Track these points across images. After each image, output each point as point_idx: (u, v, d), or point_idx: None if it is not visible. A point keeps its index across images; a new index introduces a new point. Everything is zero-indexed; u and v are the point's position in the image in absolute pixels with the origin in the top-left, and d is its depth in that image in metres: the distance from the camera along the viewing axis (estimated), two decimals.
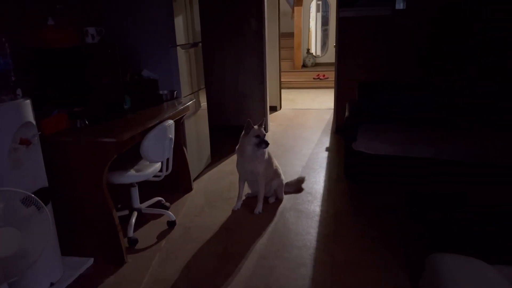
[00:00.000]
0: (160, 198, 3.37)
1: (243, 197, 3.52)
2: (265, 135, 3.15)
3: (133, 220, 2.94)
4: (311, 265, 2.56)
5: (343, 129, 3.76)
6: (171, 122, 2.95)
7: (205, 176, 4.10)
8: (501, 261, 1.72)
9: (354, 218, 3.14)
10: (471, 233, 2.83)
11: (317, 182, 3.84)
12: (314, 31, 11.01)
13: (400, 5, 4.87)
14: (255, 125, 3.16)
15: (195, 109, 3.93)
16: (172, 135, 2.97)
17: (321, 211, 3.27)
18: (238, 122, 5.40)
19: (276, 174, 3.45)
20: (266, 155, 3.29)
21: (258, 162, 3.21)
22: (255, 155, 3.17)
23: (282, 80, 7.08)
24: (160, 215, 3.24)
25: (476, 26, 4.52)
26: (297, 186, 3.68)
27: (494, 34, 4.44)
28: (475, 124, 3.73)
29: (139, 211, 3.10)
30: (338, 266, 2.54)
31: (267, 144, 3.12)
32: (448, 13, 4.63)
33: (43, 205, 1.91)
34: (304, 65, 10.19)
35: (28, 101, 2.21)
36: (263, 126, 3.20)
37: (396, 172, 3.57)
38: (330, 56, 10.12)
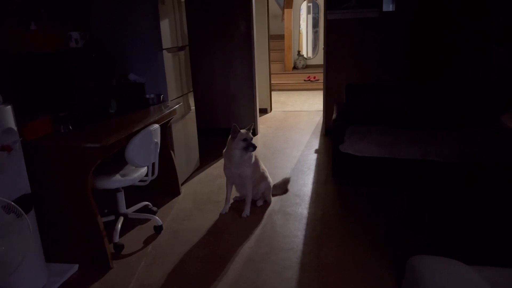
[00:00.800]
0: (147, 202, 3.36)
1: (231, 201, 3.52)
2: (252, 138, 3.15)
3: (119, 226, 2.92)
4: (297, 268, 2.55)
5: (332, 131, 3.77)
6: (156, 126, 2.93)
7: (194, 180, 4.08)
8: (483, 262, 1.73)
9: (342, 220, 3.15)
10: (457, 234, 2.85)
11: (305, 184, 3.85)
12: (305, 33, 11.05)
13: (388, 7, 4.90)
14: (242, 129, 3.16)
15: (183, 113, 3.92)
16: (157, 139, 2.95)
17: (309, 213, 3.27)
18: (228, 124, 5.32)
19: (263, 177, 3.44)
20: (253, 159, 3.29)
21: (245, 165, 3.20)
22: (242, 159, 3.17)
23: (272, 82, 7.10)
24: (147, 220, 3.22)
25: (463, 27, 4.56)
26: (283, 187, 3.67)
27: (480, 33, 4.48)
28: (463, 124, 3.76)
29: (126, 216, 3.08)
30: (324, 268, 2.54)
31: (254, 147, 3.12)
32: (432, 15, 4.66)
33: (23, 213, 1.89)
34: (295, 67, 10.21)
35: (9, 107, 2.19)
36: (251, 130, 3.20)
37: (384, 173, 3.59)
38: (321, 57, 10.07)
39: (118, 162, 2.99)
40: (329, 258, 2.64)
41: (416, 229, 2.95)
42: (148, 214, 3.18)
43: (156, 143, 2.93)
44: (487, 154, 3.25)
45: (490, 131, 3.56)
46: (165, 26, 3.46)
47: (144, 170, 3.00)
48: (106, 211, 3.22)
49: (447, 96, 3.90)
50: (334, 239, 2.88)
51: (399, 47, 4.87)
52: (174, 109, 3.42)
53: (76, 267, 2.64)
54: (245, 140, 3.12)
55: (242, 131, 3.14)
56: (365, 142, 3.49)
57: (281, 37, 9.86)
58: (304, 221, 3.15)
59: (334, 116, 3.85)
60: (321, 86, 8.38)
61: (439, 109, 3.90)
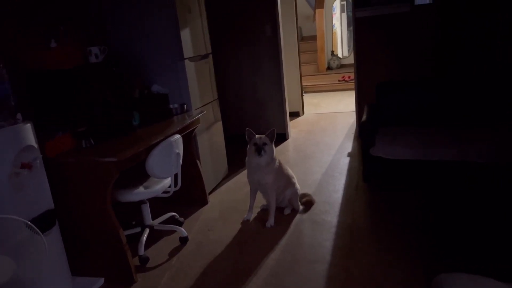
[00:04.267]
0: (173, 213, 3.34)
1: (259, 209, 3.45)
2: (265, 143, 3.05)
3: (144, 238, 2.92)
4: (323, 282, 2.42)
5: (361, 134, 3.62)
6: (177, 136, 2.91)
7: (222, 188, 4.04)
8: None
9: (373, 229, 2.98)
10: (499, 245, 2.61)
11: (336, 190, 3.69)
12: (340, 32, 10.80)
13: (420, 0, 4.64)
14: (262, 134, 3.10)
15: (209, 121, 3.89)
16: (179, 150, 2.93)
17: (338, 221, 3.12)
18: (258, 130, 5.30)
19: (290, 183, 3.34)
20: (277, 164, 3.19)
21: (265, 172, 3.12)
22: (259, 165, 3.09)
23: (305, 84, 6.96)
24: (173, 231, 3.20)
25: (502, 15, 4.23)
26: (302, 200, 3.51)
27: None
28: (498, 121, 3.47)
29: (151, 228, 3.07)
30: (351, 282, 2.39)
31: (259, 153, 3.03)
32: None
33: (39, 232, 1.90)
34: (329, 68, 9.99)
35: (28, 125, 2.23)
36: (274, 136, 3.11)
37: (418, 176, 3.38)
38: None
39: (142, 174, 3.00)
40: (357, 270, 2.49)
41: (451, 239, 2.73)
42: (174, 226, 3.15)
43: (178, 153, 2.90)
44: None
45: None
46: (186, 35, 3.45)
47: (167, 181, 2.99)
48: (133, 222, 3.24)
49: (482, 92, 3.63)
50: (363, 249, 2.72)
51: (431, 42, 4.60)
52: (197, 118, 3.39)
53: (101, 280, 2.66)
54: (255, 144, 3.06)
55: (257, 136, 3.07)
56: (397, 144, 3.29)
57: (314, 38, 9.70)
58: (333, 230, 3.01)
59: (364, 118, 3.67)
60: None
61: (474, 106, 3.63)
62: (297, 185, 3.38)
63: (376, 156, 3.39)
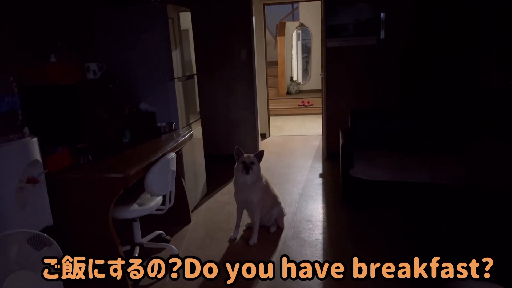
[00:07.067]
0: (160, 231, 3.33)
1: (244, 227, 3.52)
2: (252, 162, 3.16)
3: (136, 256, 2.88)
4: None
5: (336, 156, 3.85)
6: (173, 154, 2.95)
7: (202, 207, 4.07)
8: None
9: (357, 244, 3.16)
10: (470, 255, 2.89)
11: (315, 209, 3.86)
12: (295, 59, 11.27)
13: (382, 35, 5.07)
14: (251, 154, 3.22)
15: (192, 140, 3.94)
16: (174, 167, 2.97)
17: (324, 239, 3.28)
18: (230, 151, 5.42)
19: (276, 202, 3.46)
20: (264, 182, 3.30)
21: (251, 191, 3.21)
22: (245, 183, 3.19)
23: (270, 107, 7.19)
24: (162, 249, 3.18)
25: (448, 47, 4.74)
26: None
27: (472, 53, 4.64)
28: (466, 146, 3.87)
29: (141, 246, 3.04)
30: None
31: (247, 171, 3.13)
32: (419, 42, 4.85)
33: (54, 241, 1.87)
34: (288, 93, 10.37)
35: (35, 139, 2.20)
36: (262, 157, 3.24)
37: (394, 196, 3.65)
38: (313, 83, 10.37)
39: (133, 192, 2.98)
40: (351, 285, 2.64)
41: (431, 251, 2.98)
42: (164, 243, 3.15)
43: (173, 171, 2.94)
44: (494, 175, 3.34)
45: (493, 152, 3.67)
46: (176, 56, 3.53)
47: (159, 198, 2.99)
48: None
49: (445, 118, 4.05)
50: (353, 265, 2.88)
51: (395, 72, 5.02)
52: (187, 137, 3.44)
53: None
54: (243, 162, 3.16)
55: (246, 155, 3.18)
56: (374, 166, 3.55)
57: (274, 63, 10.05)
58: (320, 246, 3.16)
59: (342, 141, 3.91)
60: (316, 111, 8.54)
61: (438, 131, 4.02)
62: (283, 205, 3.51)
63: (354, 177, 3.62)
